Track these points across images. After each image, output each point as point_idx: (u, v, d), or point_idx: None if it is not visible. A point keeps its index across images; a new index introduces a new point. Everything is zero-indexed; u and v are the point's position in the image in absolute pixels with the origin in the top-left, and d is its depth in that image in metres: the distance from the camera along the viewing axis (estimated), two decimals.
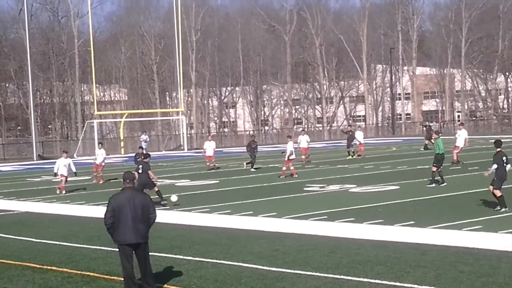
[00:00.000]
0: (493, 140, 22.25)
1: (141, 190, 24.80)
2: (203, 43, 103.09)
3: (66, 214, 25.02)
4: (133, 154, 42.32)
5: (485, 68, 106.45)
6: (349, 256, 15.18)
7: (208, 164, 42.28)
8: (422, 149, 51.02)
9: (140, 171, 25.58)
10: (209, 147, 42.38)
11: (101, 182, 36.38)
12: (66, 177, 32.58)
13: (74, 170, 32.79)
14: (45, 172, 46.70)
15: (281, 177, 34.58)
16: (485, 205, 21.75)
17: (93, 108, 79.30)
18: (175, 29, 72.63)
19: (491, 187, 20.80)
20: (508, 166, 20.91)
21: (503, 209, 20.44)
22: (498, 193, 20.62)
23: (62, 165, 32.49)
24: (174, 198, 24.77)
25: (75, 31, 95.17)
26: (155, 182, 26.08)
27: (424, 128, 55.28)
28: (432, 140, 52.17)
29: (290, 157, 35.10)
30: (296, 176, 34.61)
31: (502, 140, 22.07)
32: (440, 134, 29.49)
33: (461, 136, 38.28)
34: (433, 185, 27.67)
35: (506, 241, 16.00)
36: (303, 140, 44.83)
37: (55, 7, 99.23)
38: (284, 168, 35.15)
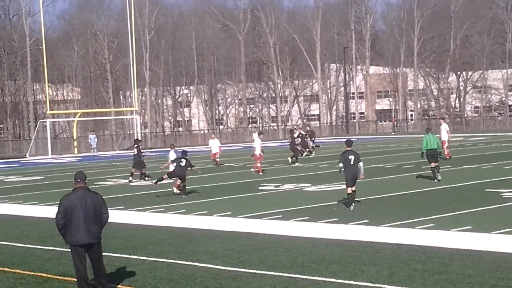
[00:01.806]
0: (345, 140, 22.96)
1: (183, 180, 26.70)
2: (157, 42, 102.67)
3: (18, 215, 24.69)
4: (86, 154, 41.87)
5: (437, 67, 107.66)
6: (303, 255, 15.20)
7: (215, 160, 42.58)
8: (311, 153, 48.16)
9: (182, 164, 26.92)
10: (214, 144, 42.85)
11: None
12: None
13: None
14: None
15: (257, 173, 35.33)
16: (438, 203, 21.97)
17: (46, 107, 78.47)
18: (129, 27, 72.14)
19: (349, 189, 21.61)
20: (360, 164, 21.63)
21: (351, 207, 21.34)
22: (349, 190, 21.55)
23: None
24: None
25: (27, 29, 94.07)
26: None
27: (306, 133, 49.03)
28: (313, 144, 50.86)
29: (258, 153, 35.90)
30: (254, 172, 35.48)
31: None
32: (430, 131, 29.61)
33: (443, 130, 38.94)
34: (439, 178, 27.86)
35: (458, 239, 16.15)
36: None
37: (6, 5, 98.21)
38: (259, 165, 35.79)
